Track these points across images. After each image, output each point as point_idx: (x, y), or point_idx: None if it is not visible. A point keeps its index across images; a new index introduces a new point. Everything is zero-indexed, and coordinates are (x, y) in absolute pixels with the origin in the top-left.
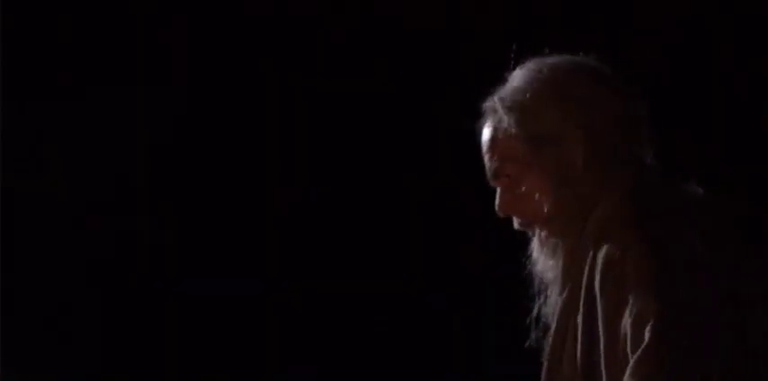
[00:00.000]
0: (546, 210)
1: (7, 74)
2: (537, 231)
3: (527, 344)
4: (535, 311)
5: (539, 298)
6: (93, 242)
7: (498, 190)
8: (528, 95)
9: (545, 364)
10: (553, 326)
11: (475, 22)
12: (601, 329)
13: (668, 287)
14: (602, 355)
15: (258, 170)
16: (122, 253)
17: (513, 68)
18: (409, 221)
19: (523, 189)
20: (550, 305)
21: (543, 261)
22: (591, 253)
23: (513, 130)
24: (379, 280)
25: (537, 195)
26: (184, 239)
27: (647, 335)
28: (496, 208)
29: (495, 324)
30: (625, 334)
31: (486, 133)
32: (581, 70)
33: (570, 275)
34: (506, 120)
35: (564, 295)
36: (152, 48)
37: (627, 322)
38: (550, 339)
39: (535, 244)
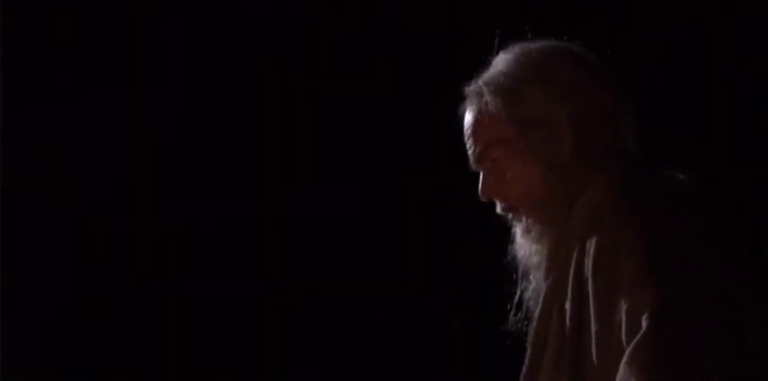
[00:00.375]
0: (531, 195)
1: (7, 74)
2: (521, 216)
3: (506, 327)
4: (517, 296)
5: (521, 283)
6: (93, 242)
7: (481, 174)
8: (516, 79)
9: (529, 349)
10: (538, 311)
11: (475, 22)
12: (593, 317)
13: (662, 285)
14: (594, 342)
15: (258, 170)
16: (122, 253)
17: (496, 53)
18: (409, 221)
19: (509, 173)
20: (533, 290)
21: (527, 245)
22: (579, 241)
23: (501, 114)
24: (379, 280)
25: (523, 179)
26: (185, 239)
27: (643, 323)
28: (480, 192)
29: (495, 324)
30: (620, 321)
31: (470, 117)
32: (568, 55)
33: (556, 261)
34: (493, 104)
35: (549, 280)
36: (152, 48)
37: (622, 313)
38: (534, 323)
39: (519, 229)
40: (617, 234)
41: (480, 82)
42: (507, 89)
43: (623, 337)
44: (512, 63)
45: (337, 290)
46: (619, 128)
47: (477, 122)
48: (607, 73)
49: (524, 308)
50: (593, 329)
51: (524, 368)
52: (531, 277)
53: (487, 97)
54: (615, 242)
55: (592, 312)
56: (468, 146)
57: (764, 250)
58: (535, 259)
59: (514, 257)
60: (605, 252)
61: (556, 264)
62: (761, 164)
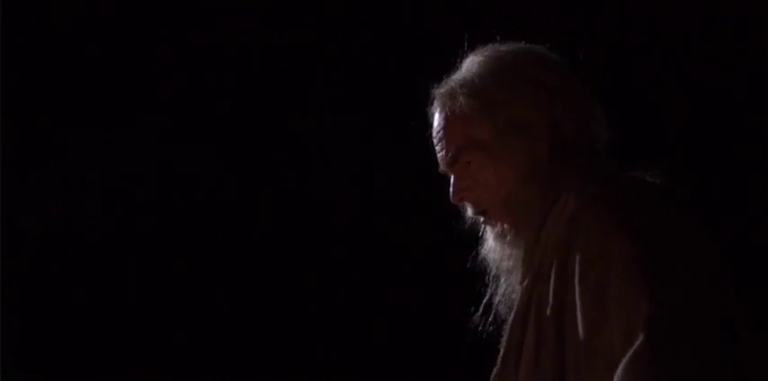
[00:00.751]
0: (506, 199)
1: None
2: (494, 220)
3: (477, 329)
4: (486, 298)
5: (491, 286)
6: (94, 242)
7: (453, 177)
8: (491, 81)
9: (501, 351)
10: (512, 315)
11: (440, 26)
12: (580, 326)
13: (656, 294)
14: (583, 351)
15: (255, 169)
16: (123, 254)
17: (465, 55)
18: (409, 221)
19: (482, 176)
20: (504, 293)
21: (500, 249)
22: (558, 247)
23: (476, 116)
24: (377, 280)
25: (497, 183)
26: (186, 240)
27: (639, 333)
28: (451, 195)
29: (463, 325)
30: (611, 331)
31: (442, 119)
32: (540, 57)
33: (533, 265)
34: (467, 106)
35: (525, 284)
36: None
37: (615, 323)
38: (508, 327)
39: (490, 232)
40: (603, 241)
41: (453, 84)
42: (482, 91)
43: (617, 347)
44: (485, 65)
45: (335, 289)
46: (592, 130)
47: (449, 125)
48: (577, 75)
49: (494, 311)
50: (581, 337)
51: (495, 370)
52: (502, 280)
53: (461, 99)
54: (602, 249)
55: (579, 320)
56: (438, 148)
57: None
58: (508, 263)
59: (484, 259)
60: (593, 260)
61: (532, 269)
62: (724, 164)
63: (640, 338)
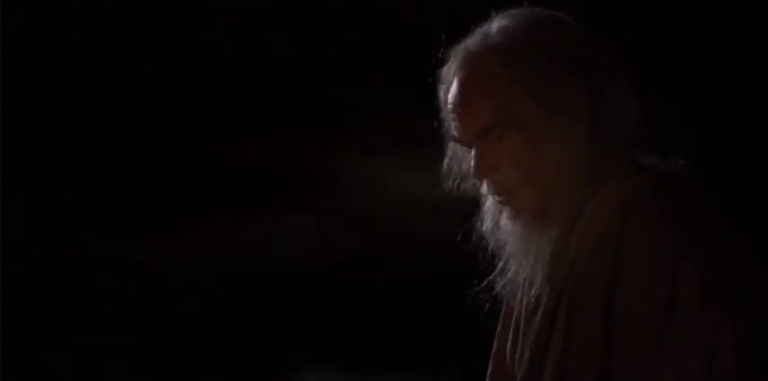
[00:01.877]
0: (540, 183)
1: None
2: (519, 202)
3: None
4: (490, 277)
5: (501, 266)
6: (94, 241)
7: (475, 150)
8: (537, 54)
9: (527, 354)
10: (538, 316)
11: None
12: (641, 333)
13: (738, 313)
14: (643, 361)
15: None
16: (123, 253)
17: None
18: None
19: (516, 156)
20: (511, 275)
21: (515, 231)
22: (609, 235)
23: (521, 92)
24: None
25: (533, 165)
26: (187, 240)
27: (726, 357)
28: (475, 170)
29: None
30: (688, 354)
31: (467, 83)
32: (579, 30)
33: (566, 257)
34: (513, 78)
35: (558, 284)
36: None
37: (694, 346)
38: (536, 325)
39: (508, 211)
40: (672, 255)
41: (484, 48)
42: (528, 64)
43: (692, 365)
44: (523, 33)
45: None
46: (626, 113)
47: (479, 92)
48: (612, 51)
49: (496, 291)
50: (641, 357)
51: (522, 372)
52: (511, 261)
53: (501, 67)
54: (672, 264)
55: (640, 331)
56: (458, 115)
57: None
58: (525, 247)
59: (485, 237)
60: (659, 273)
61: (565, 261)
62: (723, 164)
63: (728, 361)
